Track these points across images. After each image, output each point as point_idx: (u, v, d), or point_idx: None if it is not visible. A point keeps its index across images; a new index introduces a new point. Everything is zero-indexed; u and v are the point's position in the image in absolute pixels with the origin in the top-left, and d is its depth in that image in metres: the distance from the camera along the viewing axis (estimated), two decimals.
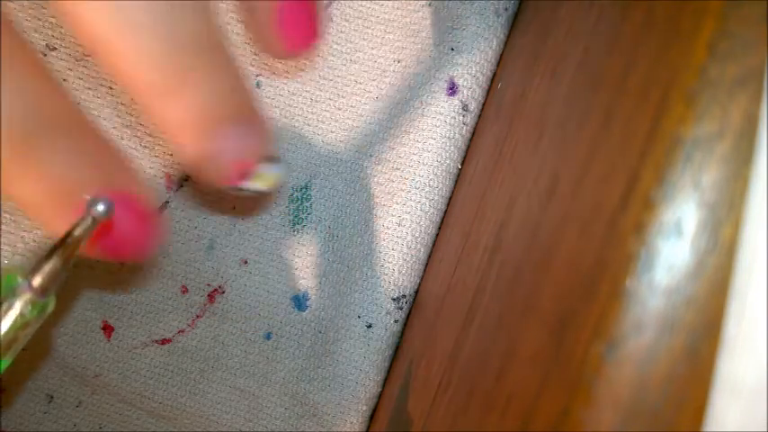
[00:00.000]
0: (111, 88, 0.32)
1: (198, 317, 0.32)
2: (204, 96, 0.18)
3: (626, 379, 0.14)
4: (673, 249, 0.14)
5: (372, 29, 0.32)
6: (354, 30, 0.32)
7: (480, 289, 0.23)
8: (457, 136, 0.31)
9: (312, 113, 0.32)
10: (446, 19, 0.31)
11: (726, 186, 0.14)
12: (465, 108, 0.31)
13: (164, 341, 0.32)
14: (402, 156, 0.31)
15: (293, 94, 0.32)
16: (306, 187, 0.32)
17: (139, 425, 0.32)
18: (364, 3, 0.32)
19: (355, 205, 0.31)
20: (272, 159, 0.21)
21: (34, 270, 0.18)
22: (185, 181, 0.32)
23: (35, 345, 0.32)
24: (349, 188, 0.32)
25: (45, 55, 0.32)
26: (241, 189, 0.21)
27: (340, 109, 0.32)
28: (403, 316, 0.31)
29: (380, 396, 0.31)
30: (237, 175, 0.21)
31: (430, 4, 0.32)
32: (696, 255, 0.14)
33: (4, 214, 0.30)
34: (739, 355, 0.13)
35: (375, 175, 0.31)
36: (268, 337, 0.31)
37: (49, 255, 0.18)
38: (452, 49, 0.31)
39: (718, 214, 0.14)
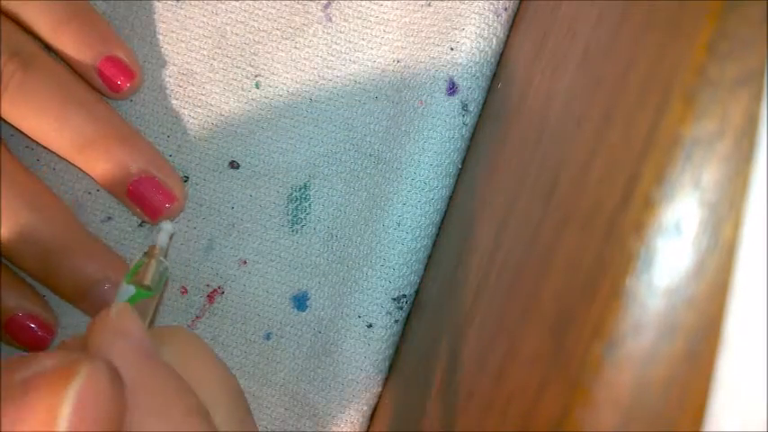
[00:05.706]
0: None
1: (197, 318, 0.32)
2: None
3: (626, 379, 0.14)
4: (673, 249, 0.14)
5: (372, 29, 0.32)
6: (354, 30, 0.32)
7: (480, 289, 0.23)
8: (457, 136, 0.31)
9: (312, 113, 0.32)
10: (446, 19, 0.31)
11: (726, 186, 0.14)
12: (465, 108, 0.31)
13: None
14: (402, 156, 0.31)
15: (293, 94, 0.32)
16: (305, 187, 0.32)
17: None
18: (364, 3, 0.32)
19: (355, 205, 0.31)
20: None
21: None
22: (184, 182, 0.32)
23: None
24: (349, 188, 0.31)
25: None
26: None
27: (340, 109, 0.32)
28: (403, 316, 0.31)
29: (381, 396, 0.31)
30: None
31: (430, 4, 0.32)
32: (696, 254, 0.14)
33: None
34: (739, 356, 0.13)
35: (375, 175, 0.31)
36: (268, 337, 0.31)
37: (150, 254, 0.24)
38: (452, 49, 0.31)
39: (718, 214, 0.14)
